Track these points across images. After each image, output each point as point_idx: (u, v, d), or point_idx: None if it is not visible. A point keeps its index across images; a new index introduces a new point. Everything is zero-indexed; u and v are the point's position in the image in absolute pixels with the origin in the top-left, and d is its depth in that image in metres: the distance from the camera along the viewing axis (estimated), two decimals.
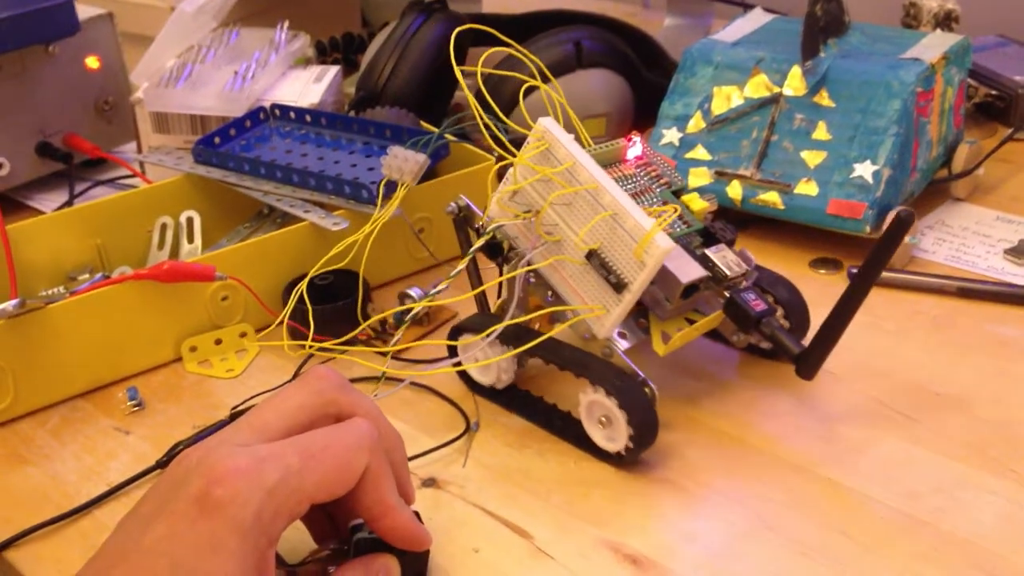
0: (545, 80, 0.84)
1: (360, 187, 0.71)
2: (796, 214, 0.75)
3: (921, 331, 0.66)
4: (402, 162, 0.68)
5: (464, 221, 0.62)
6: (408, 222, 0.73)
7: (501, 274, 0.60)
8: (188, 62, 0.89)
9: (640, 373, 0.56)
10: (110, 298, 0.64)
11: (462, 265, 0.59)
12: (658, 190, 0.61)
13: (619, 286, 0.54)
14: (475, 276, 0.63)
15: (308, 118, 0.82)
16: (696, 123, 0.80)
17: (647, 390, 0.55)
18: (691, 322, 0.59)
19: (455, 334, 0.62)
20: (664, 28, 1.11)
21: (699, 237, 0.60)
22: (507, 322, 0.57)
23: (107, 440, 0.61)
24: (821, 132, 0.75)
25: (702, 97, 0.80)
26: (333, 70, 0.91)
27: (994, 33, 1.02)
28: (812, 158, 0.75)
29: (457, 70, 0.64)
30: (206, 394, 0.65)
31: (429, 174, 0.77)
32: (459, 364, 0.62)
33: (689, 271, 0.56)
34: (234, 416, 0.62)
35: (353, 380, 0.64)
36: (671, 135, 0.81)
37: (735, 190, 0.77)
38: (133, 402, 0.64)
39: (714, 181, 0.78)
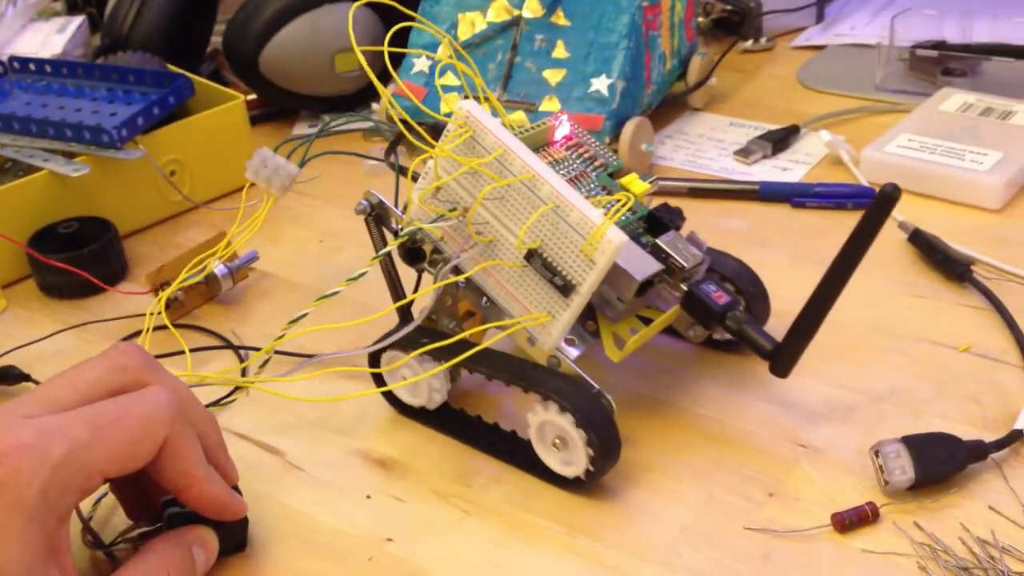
0: (291, 17, 0.85)
1: (100, 132, 0.70)
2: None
3: None
4: (272, 171, 0.59)
5: (378, 220, 0.54)
6: (156, 166, 0.72)
7: (419, 281, 0.53)
8: None
9: (594, 384, 0.49)
10: None
11: (365, 268, 0.50)
12: (594, 174, 0.54)
13: (566, 288, 0.48)
14: (394, 283, 0.55)
15: (48, 68, 0.80)
16: (444, 50, 0.82)
17: (604, 402, 0.49)
18: (645, 320, 0.53)
19: (376, 353, 0.54)
20: None
21: (643, 224, 0.54)
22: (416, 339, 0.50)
23: None
24: (560, 51, 0.78)
25: (448, 24, 0.82)
26: (77, 20, 0.89)
27: None
28: (553, 76, 0.78)
29: None
30: None
31: (178, 113, 0.76)
32: (383, 384, 0.54)
33: (643, 266, 0.50)
34: None
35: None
36: (421, 63, 0.82)
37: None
38: None
39: None
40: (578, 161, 0.55)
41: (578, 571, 0.46)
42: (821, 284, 0.48)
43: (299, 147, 0.59)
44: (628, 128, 0.76)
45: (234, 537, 0.48)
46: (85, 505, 0.49)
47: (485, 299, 0.51)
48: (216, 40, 0.96)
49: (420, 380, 0.53)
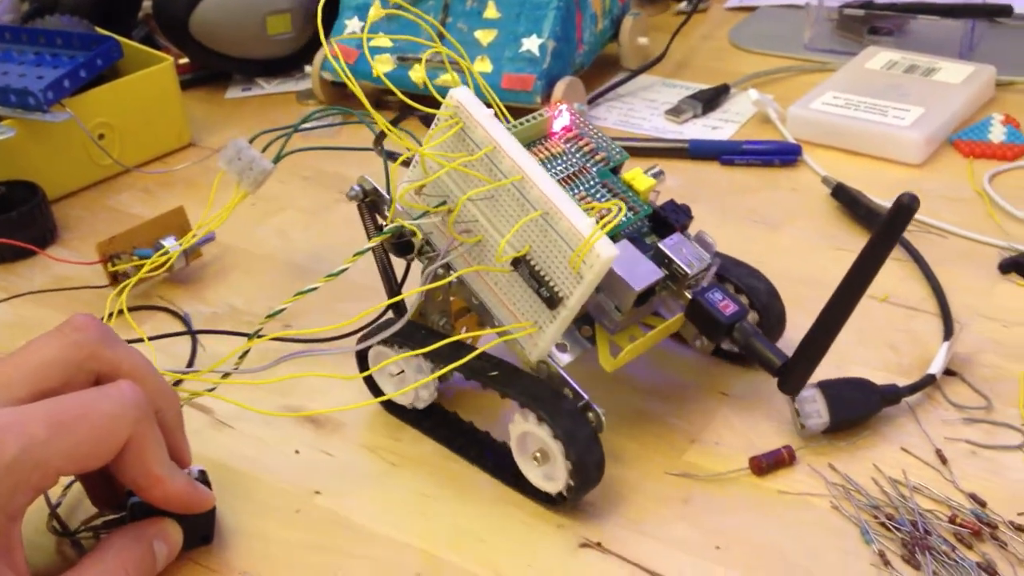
0: None
1: (26, 94, 0.69)
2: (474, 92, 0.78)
3: None
4: (245, 165, 0.56)
5: (372, 207, 0.50)
6: (84, 129, 0.72)
7: (407, 271, 0.50)
8: None
9: (584, 394, 0.46)
10: None
11: (345, 265, 0.47)
12: (594, 169, 0.51)
13: (552, 301, 0.45)
14: (388, 274, 0.52)
15: None
16: (376, 11, 0.81)
17: (591, 415, 0.46)
18: (647, 328, 0.49)
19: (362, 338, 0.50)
20: None
21: (647, 222, 0.50)
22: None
23: None
24: (491, 11, 0.78)
25: None
26: None
27: None
28: (485, 36, 0.78)
29: None
30: None
31: (108, 77, 0.75)
32: (381, 394, 0.52)
33: (642, 274, 0.46)
34: None
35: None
36: (353, 24, 0.82)
37: (418, 74, 0.79)
38: None
39: (397, 67, 0.80)
40: (577, 155, 0.51)
41: (505, 518, 0.47)
42: (833, 299, 0.45)
43: (276, 140, 0.56)
44: (559, 88, 0.76)
45: (200, 529, 0.46)
46: (55, 491, 0.48)
47: (475, 299, 0.48)
48: (148, 5, 0.95)
49: (405, 381, 0.50)
